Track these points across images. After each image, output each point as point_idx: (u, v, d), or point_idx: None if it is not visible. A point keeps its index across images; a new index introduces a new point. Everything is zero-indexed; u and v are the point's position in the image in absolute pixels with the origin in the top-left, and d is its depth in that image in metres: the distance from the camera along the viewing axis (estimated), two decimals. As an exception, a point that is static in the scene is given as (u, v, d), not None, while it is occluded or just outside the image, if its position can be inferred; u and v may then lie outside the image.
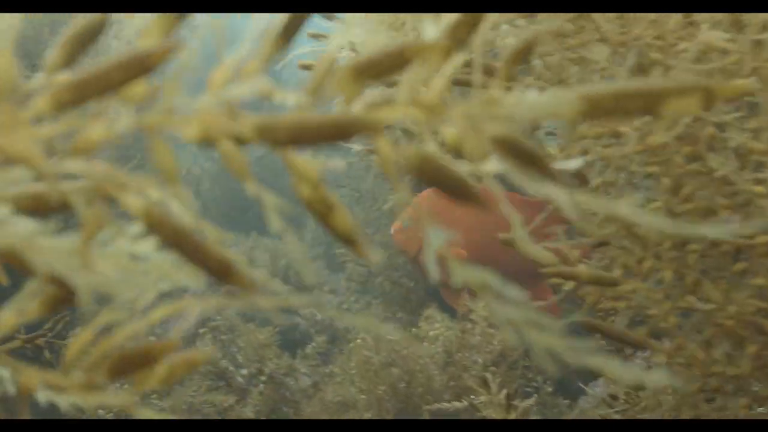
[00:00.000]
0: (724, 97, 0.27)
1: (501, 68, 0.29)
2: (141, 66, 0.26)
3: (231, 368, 1.83)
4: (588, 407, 1.57)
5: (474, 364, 1.61)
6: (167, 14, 0.27)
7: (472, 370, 1.59)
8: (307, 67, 0.68)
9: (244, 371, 1.82)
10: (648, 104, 0.27)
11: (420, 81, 0.28)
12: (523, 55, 0.30)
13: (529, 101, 0.27)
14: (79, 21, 0.27)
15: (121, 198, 0.26)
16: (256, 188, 0.28)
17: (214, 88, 0.27)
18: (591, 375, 1.66)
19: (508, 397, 1.15)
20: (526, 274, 1.74)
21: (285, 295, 0.28)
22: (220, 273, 0.27)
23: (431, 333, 1.69)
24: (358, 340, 1.69)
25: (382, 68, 0.27)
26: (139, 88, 0.26)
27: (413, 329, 1.73)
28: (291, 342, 2.08)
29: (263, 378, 1.76)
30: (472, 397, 1.33)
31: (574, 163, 0.30)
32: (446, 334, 1.67)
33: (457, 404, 1.53)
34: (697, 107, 0.27)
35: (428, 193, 1.74)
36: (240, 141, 0.27)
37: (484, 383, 1.17)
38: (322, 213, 0.28)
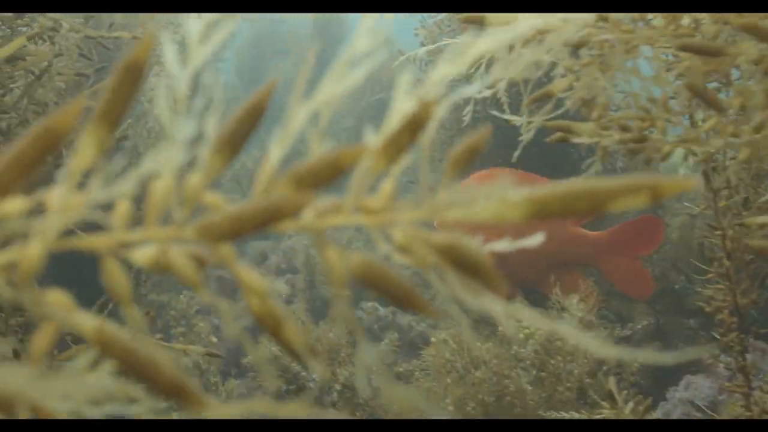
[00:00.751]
0: (670, 193, 0.28)
1: (446, 171, 0.31)
2: (52, 138, 0.28)
3: (303, 374, 1.85)
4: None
5: (569, 374, 1.55)
6: (101, 123, 0.29)
7: (567, 382, 1.54)
8: (470, 21, 0.68)
9: (316, 376, 1.84)
10: (595, 204, 0.29)
11: (365, 186, 0.30)
12: (469, 157, 0.31)
13: (475, 205, 0.29)
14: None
15: (70, 320, 0.29)
16: (210, 297, 0.30)
17: (155, 204, 0.30)
18: (671, 381, 1.64)
19: (637, 411, 1.11)
20: (561, 264, 1.77)
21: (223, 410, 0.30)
22: (172, 392, 0.29)
23: (521, 334, 1.63)
24: (434, 339, 1.67)
25: (319, 177, 0.29)
26: (75, 199, 0.29)
27: (500, 328, 1.66)
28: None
29: (338, 387, 1.79)
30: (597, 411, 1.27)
31: (533, 240, 0.31)
32: (537, 336, 1.61)
33: (575, 414, 1.46)
34: (644, 204, 0.28)
35: (474, 178, 1.80)
36: (200, 262, 0.30)
37: (610, 396, 1.14)
38: (272, 327, 0.30)
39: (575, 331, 0.27)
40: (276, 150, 0.30)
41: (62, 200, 0.28)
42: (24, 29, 1.30)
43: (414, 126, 0.30)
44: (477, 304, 0.29)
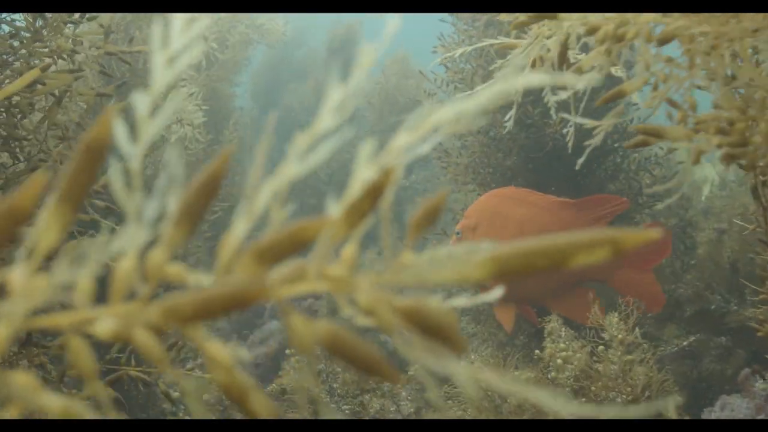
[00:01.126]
0: (632, 246, 0.29)
1: (408, 234, 0.32)
2: (15, 218, 0.29)
3: (332, 405, 1.85)
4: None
5: (612, 403, 1.48)
6: (63, 204, 0.31)
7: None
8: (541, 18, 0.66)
9: (346, 408, 1.84)
10: (557, 260, 0.29)
11: (327, 255, 0.31)
12: (430, 221, 0.32)
13: (437, 267, 0.30)
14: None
15: (36, 401, 0.30)
16: (174, 374, 0.31)
17: (119, 282, 0.31)
18: (706, 401, 1.63)
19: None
20: (570, 280, 1.78)
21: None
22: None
23: (558, 359, 1.58)
24: (463, 364, 1.64)
25: (282, 250, 0.30)
26: (41, 282, 0.30)
27: (537, 352, 1.64)
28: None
29: (366, 419, 1.78)
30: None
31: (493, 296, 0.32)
32: (576, 360, 1.56)
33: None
34: (605, 257, 0.29)
35: (485, 197, 1.84)
36: (156, 330, 0.31)
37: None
38: (238, 398, 0.31)
39: (535, 390, 0.28)
40: (240, 224, 0.31)
41: (25, 282, 0.29)
42: (43, 50, 1.32)
43: (375, 193, 0.31)
44: (439, 367, 0.29)
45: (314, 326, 0.30)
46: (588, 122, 0.71)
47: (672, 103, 0.67)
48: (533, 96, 1.99)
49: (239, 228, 0.31)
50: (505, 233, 1.84)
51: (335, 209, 0.31)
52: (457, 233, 1.92)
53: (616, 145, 2.05)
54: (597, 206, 1.80)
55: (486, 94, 0.31)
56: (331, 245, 0.31)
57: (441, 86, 2.32)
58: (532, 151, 2.06)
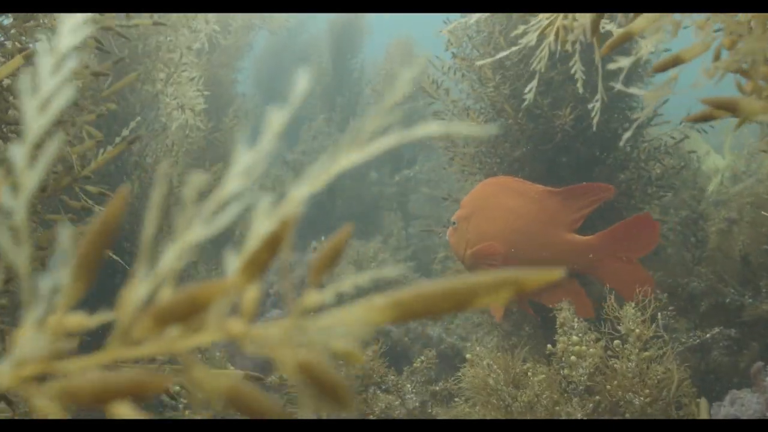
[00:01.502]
0: (533, 286, 0.30)
1: (310, 277, 0.32)
2: None
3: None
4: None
5: (628, 404, 1.46)
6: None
7: (627, 413, 1.45)
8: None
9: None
10: (459, 303, 0.30)
11: (225, 310, 0.31)
12: (334, 260, 0.33)
13: (338, 318, 0.30)
14: None
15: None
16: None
17: (19, 341, 0.31)
18: (715, 395, 1.62)
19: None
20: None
21: None
22: None
23: (571, 355, 1.55)
24: (468, 355, 1.65)
25: (181, 312, 0.31)
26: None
27: (549, 346, 1.64)
28: (390, 352, 2.13)
29: (372, 418, 1.79)
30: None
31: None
32: (591, 355, 1.53)
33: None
34: (507, 298, 0.30)
35: (479, 187, 1.89)
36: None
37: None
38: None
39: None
40: (140, 287, 0.32)
41: None
42: (36, 29, 1.30)
43: (273, 245, 0.31)
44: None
45: (217, 380, 0.31)
46: (638, 92, 0.70)
47: (743, 72, 0.63)
48: (543, 86, 1.99)
49: (139, 290, 0.32)
50: (496, 223, 1.91)
51: (233, 263, 0.31)
52: (453, 223, 1.97)
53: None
54: (583, 195, 1.83)
55: (381, 144, 0.32)
56: (229, 303, 0.31)
57: (447, 73, 2.31)
58: (540, 143, 2.06)
